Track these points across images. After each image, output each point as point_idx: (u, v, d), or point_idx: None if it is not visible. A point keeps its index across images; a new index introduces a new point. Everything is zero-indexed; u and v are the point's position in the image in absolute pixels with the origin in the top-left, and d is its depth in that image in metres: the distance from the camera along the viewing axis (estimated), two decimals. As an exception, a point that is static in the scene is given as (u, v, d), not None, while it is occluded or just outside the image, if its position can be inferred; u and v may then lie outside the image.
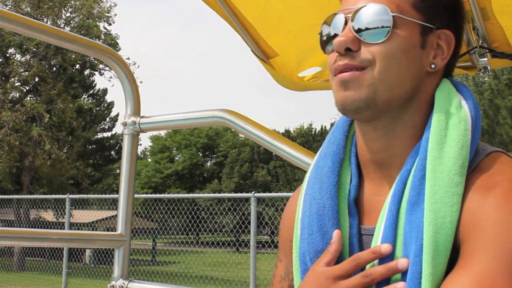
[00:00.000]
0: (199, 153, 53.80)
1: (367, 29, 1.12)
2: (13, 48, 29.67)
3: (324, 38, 1.19)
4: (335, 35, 1.16)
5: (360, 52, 1.12)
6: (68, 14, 30.28)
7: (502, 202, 1.00)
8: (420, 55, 1.15)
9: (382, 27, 1.11)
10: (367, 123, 1.18)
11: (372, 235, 1.12)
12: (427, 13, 1.15)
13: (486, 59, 1.98)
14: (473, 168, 1.08)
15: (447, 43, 1.18)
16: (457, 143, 1.06)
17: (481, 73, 31.56)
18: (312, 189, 1.24)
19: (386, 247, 1.06)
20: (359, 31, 1.13)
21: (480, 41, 1.88)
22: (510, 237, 0.96)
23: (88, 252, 24.26)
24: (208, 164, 54.51)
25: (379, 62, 1.11)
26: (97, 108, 40.51)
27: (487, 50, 1.91)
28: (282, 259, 1.38)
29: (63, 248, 14.03)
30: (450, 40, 1.18)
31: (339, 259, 1.14)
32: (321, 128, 49.79)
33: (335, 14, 1.18)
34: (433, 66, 1.16)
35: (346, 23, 1.15)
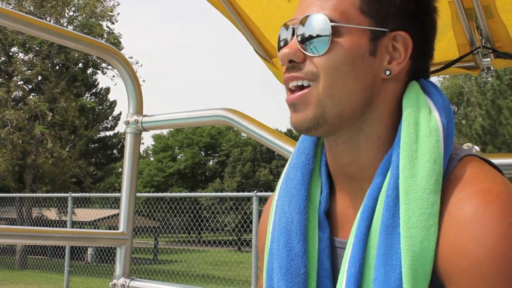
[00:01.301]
0: (202, 152, 53.82)
1: (309, 40, 1.07)
2: (16, 47, 29.70)
3: (281, 43, 1.14)
4: (286, 43, 1.12)
5: (305, 64, 1.08)
6: (71, 13, 30.30)
7: (479, 231, 0.94)
8: (371, 63, 1.08)
9: (322, 38, 1.06)
10: (328, 137, 1.14)
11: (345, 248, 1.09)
12: (377, 16, 1.08)
13: (489, 59, 1.97)
14: (447, 178, 1.02)
15: (404, 45, 1.09)
16: (429, 158, 1.00)
17: (484, 74, 31.52)
18: (282, 202, 1.20)
19: None
20: (303, 42, 1.08)
21: (483, 41, 1.87)
22: (493, 275, 0.92)
23: (90, 251, 24.29)
24: (210, 163, 54.53)
25: (322, 77, 1.06)
26: (100, 107, 40.55)
27: (490, 50, 1.90)
28: (261, 268, 1.32)
29: (65, 246, 14.05)
30: (407, 42, 1.09)
31: (306, 275, 1.12)
32: (324, 128, 49.81)
33: (287, 23, 1.14)
34: (388, 72, 1.09)
35: (293, 33, 1.10)
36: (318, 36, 1.06)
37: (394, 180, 1.02)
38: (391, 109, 1.11)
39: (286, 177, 1.23)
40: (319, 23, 1.07)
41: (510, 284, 0.91)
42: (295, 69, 1.09)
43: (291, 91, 1.11)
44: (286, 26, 1.14)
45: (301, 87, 1.09)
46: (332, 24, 1.06)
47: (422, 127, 1.04)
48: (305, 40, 1.08)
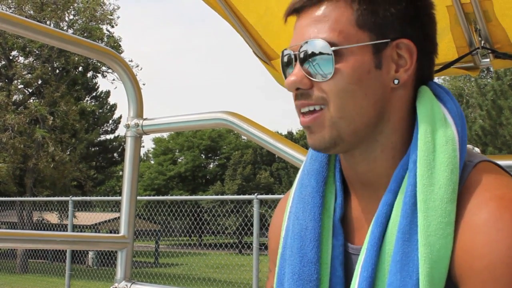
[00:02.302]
0: (202, 155, 53.83)
1: (313, 67, 1.07)
2: (16, 51, 29.75)
3: (287, 69, 1.14)
4: (290, 66, 1.12)
5: (313, 89, 1.08)
6: (71, 17, 30.34)
7: (494, 236, 0.96)
8: (378, 76, 1.07)
9: (325, 63, 1.05)
10: (344, 153, 1.15)
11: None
12: (375, 29, 1.07)
13: (488, 60, 1.98)
14: (462, 184, 1.03)
15: (408, 51, 1.09)
16: (447, 167, 1.02)
17: (483, 74, 31.54)
18: (296, 208, 1.21)
19: None
20: (307, 68, 1.08)
21: (482, 42, 1.87)
22: (506, 279, 0.94)
23: (91, 254, 24.28)
24: (211, 166, 54.54)
25: (332, 101, 1.06)
26: (100, 110, 40.62)
27: (489, 51, 1.90)
28: (272, 269, 1.35)
29: (66, 250, 14.04)
30: (411, 49, 1.09)
31: (318, 282, 1.13)
32: (324, 130, 49.78)
33: (287, 49, 1.13)
34: (396, 81, 1.09)
35: (295, 59, 1.10)
36: (321, 61, 1.06)
37: (412, 188, 1.03)
38: (403, 116, 1.12)
39: (300, 184, 1.23)
40: (320, 48, 1.06)
41: None
42: (304, 96, 1.09)
43: (303, 114, 1.11)
44: (287, 50, 1.13)
45: (313, 111, 1.09)
46: (334, 48, 1.05)
47: (439, 136, 1.05)
48: (309, 66, 1.07)
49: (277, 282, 1.21)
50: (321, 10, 1.09)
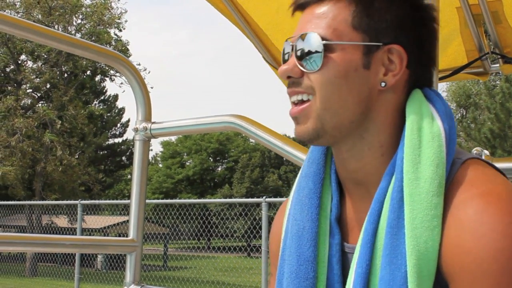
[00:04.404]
0: (210, 158, 53.85)
1: (305, 57, 1.14)
2: (25, 55, 29.88)
3: (285, 57, 1.20)
4: (288, 59, 1.19)
5: (303, 78, 1.15)
6: (79, 21, 30.45)
7: (480, 230, 0.98)
8: (365, 75, 1.13)
9: (315, 55, 1.12)
10: (333, 146, 1.20)
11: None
12: (369, 31, 1.13)
13: (498, 65, 1.97)
14: (450, 180, 1.06)
15: (399, 58, 1.13)
16: (432, 162, 1.05)
17: (492, 77, 31.41)
18: (294, 210, 1.25)
19: None
20: (300, 58, 1.15)
21: (492, 47, 1.86)
22: (494, 272, 0.96)
23: (100, 258, 24.32)
24: (219, 169, 54.54)
25: (318, 92, 1.13)
26: (108, 114, 40.70)
27: (499, 56, 1.89)
28: (273, 273, 1.38)
29: (75, 254, 14.08)
30: (401, 55, 1.13)
31: (315, 280, 1.17)
32: (332, 133, 49.73)
33: (288, 39, 1.20)
34: (383, 84, 1.13)
35: (292, 49, 1.17)
36: (312, 53, 1.13)
37: (399, 183, 1.07)
38: (392, 118, 1.15)
39: (298, 187, 1.27)
40: (313, 41, 1.13)
41: (511, 280, 0.95)
42: (294, 84, 1.17)
43: (294, 104, 1.18)
44: (287, 41, 1.20)
45: (302, 102, 1.16)
46: (324, 42, 1.12)
47: (425, 132, 1.09)
48: (302, 57, 1.14)
49: (277, 283, 1.25)
50: (322, 8, 1.16)
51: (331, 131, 1.14)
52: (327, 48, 1.12)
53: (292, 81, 1.17)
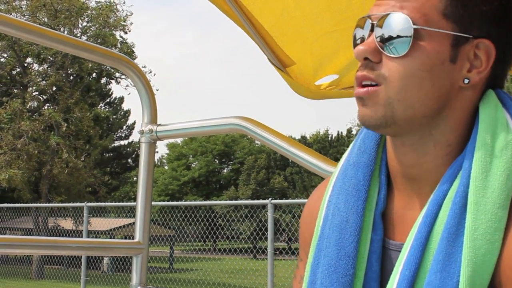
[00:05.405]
0: (216, 160, 53.90)
1: (388, 40, 1.03)
2: (31, 58, 29.98)
3: (358, 41, 1.10)
4: (363, 40, 1.08)
5: (380, 64, 1.05)
6: (84, 24, 30.52)
7: None
8: (450, 70, 1.04)
9: (403, 39, 1.02)
10: (394, 137, 1.11)
11: (400, 251, 1.08)
12: (460, 22, 1.04)
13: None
14: None
15: (486, 54, 1.05)
16: (503, 172, 0.98)
17: None
18: (337, 199, 1.18)
19: None
20: (382, 41, 1.04)
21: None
22: None
23: (106, 260, 24.35)
24: (225, 171, 54.58)
25: (396, 81, 1.03)
26: (114, 116, 40.81)
27: None
28: (303, 258, 1.31)
29: (81, 256, 14.10)
30: (490, 51, 1.05)
31: (353, 276, 1.11)
32: (338, 134, 49.73)
33: (365, 17, 1.09)
34: (466, 81, 1.05)
35: (372, 29, 1.06)
36: (398, 36, 1.03)
37: (464, 188, 1.01)
38: (465, 117, 1.08)
39: (344, 175, 1.20)
40: (400, 23, 1.03)
41: None
42: (368, 67, 1.06)
43: (361, 86, 1.08)
44: (362, 21, 1.10)
45: (370, 85, 1.06)
46: (415, 26, 1.02)
47: (499, 140, 1.02)
48: (385, 39, 1.04)
49: (310, 272, 1.18)
50: None
51: (401, 123, 1.05)
52: (416, 34, 1.02)
53: (366, 64, 1.06)
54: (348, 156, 1.23)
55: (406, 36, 1.02)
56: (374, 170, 1.17)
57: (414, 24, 1.02)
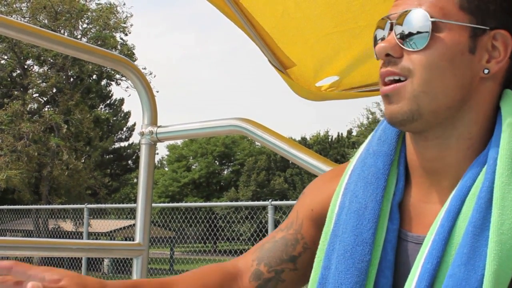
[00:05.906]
0: (216, 161, 53.83)
1: (408, 35, 1.07)
2: (31, 60, 29.99)
3: (378, 41, 1.14)
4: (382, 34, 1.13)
5: (402, 59, 1.08)
6: (85, 26, 30.56)
7: None
8: (470, 60, 1.07)
9: (422, 33, 1.06)
10: (418, 133, 1.13)
11: (419, 244, 1.09)
12: (477, 13, 1.07)
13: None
14: None
15: (504, 44, 1.08)
16: None
17: None
18: (355, 186, 1.19)
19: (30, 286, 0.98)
20: (402, 37, 1.08)
21: None
22: None
23: (106, 262, 24.33)
24: (225, 172, 54.51)
25: (419, 73, 1.06)
26: (114, 118, 40.75)
27: None
28: (290, 217, 1.33)
29: (81, 258, 14.10)
30: (507, 41, 1.08)
31: (369, 262, 1.11)
32: (338, 135, 49.71)
33: (384, 18, 1.14)
34: (486, 71, 1.08)
35: (391, 28, 1.11)
36: (418, 32, 1.07)
37: (489, 184, 1.02)
38: (488, 110, 1.10)
39: (363, 163, 1.22)
40: (419, 18, 1.07)
41: None
42: (391, 63, 1.10)
43: (385, 83, 1.11)
44: (382, 22, 1.14)
45: (396, 81, 1.09)
46: (433, 19, 1.06)
47: None
48: (404, 35, 1.08)
49: (324, 257, 1.19)
50: None
51: (427, 116, 1.07)
52: (434, 27, 1.06)
53: (389, 60, 1.10)
54: (368, 146, 1.24)
55: (425, 31, 1.06)
56: (393, 161, 1.18)
57: (431, 17, 1.06)
